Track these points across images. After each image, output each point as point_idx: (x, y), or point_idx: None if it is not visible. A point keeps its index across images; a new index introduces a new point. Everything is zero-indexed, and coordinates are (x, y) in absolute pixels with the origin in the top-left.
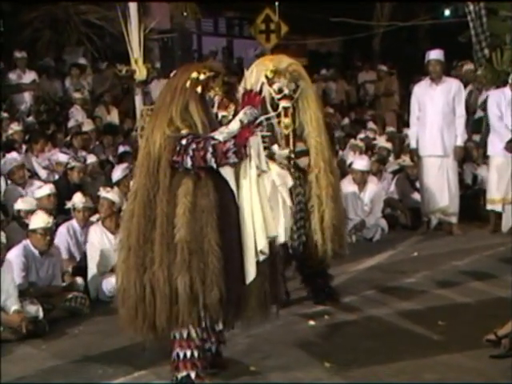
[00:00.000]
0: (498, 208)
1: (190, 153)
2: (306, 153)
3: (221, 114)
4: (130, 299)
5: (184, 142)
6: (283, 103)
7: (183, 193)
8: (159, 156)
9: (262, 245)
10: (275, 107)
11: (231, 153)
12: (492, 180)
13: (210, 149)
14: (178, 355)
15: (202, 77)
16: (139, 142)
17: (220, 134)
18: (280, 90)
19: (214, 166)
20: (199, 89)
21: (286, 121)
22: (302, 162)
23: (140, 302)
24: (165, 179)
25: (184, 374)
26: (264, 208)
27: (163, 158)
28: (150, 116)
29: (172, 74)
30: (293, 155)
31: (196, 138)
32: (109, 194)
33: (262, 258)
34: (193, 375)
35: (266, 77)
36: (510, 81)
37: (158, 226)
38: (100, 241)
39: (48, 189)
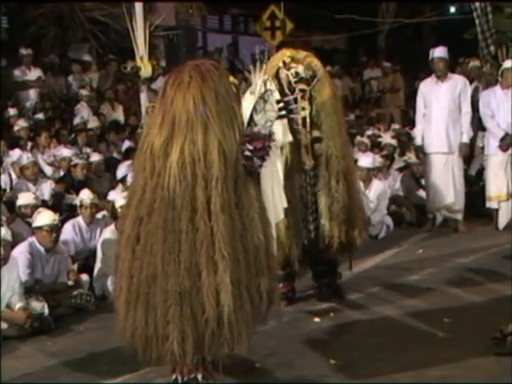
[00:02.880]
0: (494, 205)
1: (257, 153)
2: (321, 140)
3: None
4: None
5: (250, 146)
6: (300, 86)
7: (254, 197)
8: (236, 161)
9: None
10: (292, 91)
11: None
12: (488, 178)
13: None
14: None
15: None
16: None
17: (264, 129)
18: (297, 74)
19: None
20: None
21: (303, 103)
22: (318, 149)
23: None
24: (241, 183)
25: (192, 375)
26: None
27: (240, 163)
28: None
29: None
30: (309, 141)
31: (254, 138)
32: None
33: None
34: (200, 377)
35: (284, 62)
36: (499, 79)
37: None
38: (113, 243)
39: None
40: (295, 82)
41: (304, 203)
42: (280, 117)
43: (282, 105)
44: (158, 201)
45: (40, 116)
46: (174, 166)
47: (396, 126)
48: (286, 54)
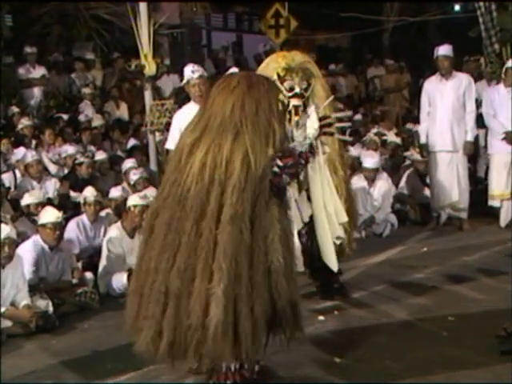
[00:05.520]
0: (497, 203)
1: (287, 170)
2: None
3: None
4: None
5: (280, 163)
6: (294, 102)
7: (276, 217)
8: (262, 176)
9: (338, 232)
10: (286, 105)
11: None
12: (492, 176)
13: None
14: (228, 366)
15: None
16: (149, 137)
17: (300, 146)
18: (291, 89)
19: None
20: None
21: (296, 119)
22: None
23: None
24: (264, 200)
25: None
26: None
27: (266, 179)
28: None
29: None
30: None
31: (286, 155)
32: (142, 200)
33: (338, 242)
34: None
35: (278, 74)
36: (502, 76)
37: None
38: (119, 241)
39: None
40: (289, 97)
41: None
42: None
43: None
44: (172, 197)
45: (44, 114)
46: (195, 166)
47: (410, 126)
48: (281, 64)
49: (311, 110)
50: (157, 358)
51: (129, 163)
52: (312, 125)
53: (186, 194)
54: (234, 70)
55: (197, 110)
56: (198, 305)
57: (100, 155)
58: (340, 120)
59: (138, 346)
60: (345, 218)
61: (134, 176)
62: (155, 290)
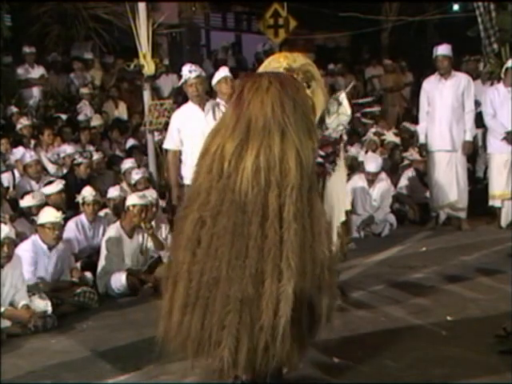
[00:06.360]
0: (498, 203)
1: (329, 158)
2: None
3: None
4: None
5: (322, 152)
6: None
7: (320, 210)
8: (311, 171)
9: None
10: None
11: None
12: (492, 176)
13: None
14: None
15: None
16: (148, 136)
17: (335, 133)
18: None
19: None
20: None
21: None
22: None
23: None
24: (313, 194)
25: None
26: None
27: (314, 172)
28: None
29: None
30: None
31: (325, 144)
32: (141, 200)
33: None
34: None
35: None
36: (502, 76)
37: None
38: (118, 241)
39: (57, 186)
40: None
41: None
42: None
43: None
44: (228, 204)
45: (43, 114)
46: (248, 170)
47: (407, 125)
48: (282, 65)
49: (342, 96)
50: (239, 370)
51: (128, 163)
52: (345, 111)
53: (245, 199)
54: (225, 69)
55: (194, 109)
56: (269, 305)
57: (96, 155)
58: (368, 105)
59: (216, 359)
60: (348, 206)
61: (136, 175)
62: (232, 298)
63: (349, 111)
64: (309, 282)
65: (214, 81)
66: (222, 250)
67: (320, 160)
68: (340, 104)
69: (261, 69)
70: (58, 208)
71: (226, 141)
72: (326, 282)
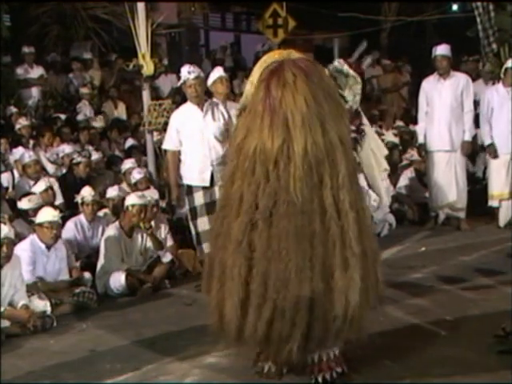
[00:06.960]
0: (496, 203)
1: (360, 131)
2: None
3: None
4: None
5: (353, 127)
6: None
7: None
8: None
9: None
10: None
11: None
12: (491, 177)
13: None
14: (320, 357)
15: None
16: (147, 136)
17: (355, 104)
18: None
19: None
20: None
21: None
22: None
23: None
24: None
25: (328, 373)
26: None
27: (353, 155)
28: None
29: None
30: None
31: (353, 117)
32: (140, 200)
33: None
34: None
35: None
36: (501, 76)
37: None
38: (117, 241)
39: (42, 183)
40: None
41: None
42: None
43: None
44: (284, 206)
45: (42, 114)
46: (299, 169)
47: (400, 123)
48: (277, 59)
49: (345, 68)
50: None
51: (128, 163)
52: (354, 81)
53: (301, 198)
54: (220, 69)
55: (193, 110)
56: (341, 296)
57: (95, 155)
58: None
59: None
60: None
61: (137, 175)
62: (302, 298)
63: (358, 78)
64: (370, 264)
65: (210, 81)
66: (287, 252)
67: (354, 135)
68: (347, 76)
69: (257, 67)
70: (49, 204)
71: (264, 141)
72: (377, 255)
